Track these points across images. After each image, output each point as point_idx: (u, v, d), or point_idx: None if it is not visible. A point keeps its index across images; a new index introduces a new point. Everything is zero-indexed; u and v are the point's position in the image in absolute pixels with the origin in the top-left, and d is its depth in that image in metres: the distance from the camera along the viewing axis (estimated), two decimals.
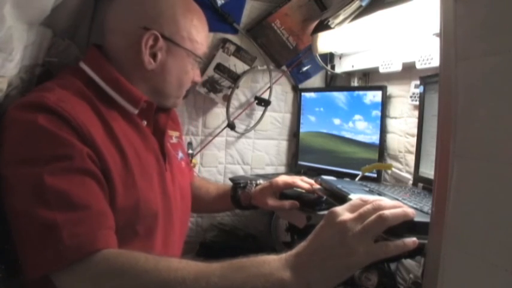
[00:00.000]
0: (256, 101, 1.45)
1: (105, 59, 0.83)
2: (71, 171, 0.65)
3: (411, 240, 0.56)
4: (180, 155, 1.01)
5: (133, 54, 0.82)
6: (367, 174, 1.16)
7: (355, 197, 0.69)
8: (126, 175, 0.75)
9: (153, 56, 0.83)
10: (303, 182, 1.01)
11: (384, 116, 1.24)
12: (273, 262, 0.58)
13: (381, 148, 1.24)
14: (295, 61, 1.47)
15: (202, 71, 1.38)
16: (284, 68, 1.49)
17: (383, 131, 1.24)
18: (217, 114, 1.46)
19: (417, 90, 1.11)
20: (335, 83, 1.55)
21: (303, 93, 1.51)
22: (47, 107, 0.67)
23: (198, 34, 0.88)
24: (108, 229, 0.66)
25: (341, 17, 1.12)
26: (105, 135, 0.74)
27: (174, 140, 1.01)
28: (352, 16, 1.09)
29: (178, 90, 0.91)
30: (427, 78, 0.99)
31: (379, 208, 0.58)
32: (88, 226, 0.63)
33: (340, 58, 1.46)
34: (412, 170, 1.08)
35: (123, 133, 0.79)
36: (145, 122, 0.86)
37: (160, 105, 0.90)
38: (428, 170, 0.97)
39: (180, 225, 0.91)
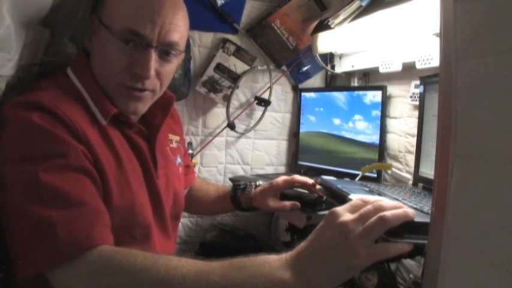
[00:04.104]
0: (256, 101, 1.45)
1: (88, 64, 0.80)
2: (66, 169, 0.65)
3: (411, 242, 0.56)
4: (179, 160, 1.00)
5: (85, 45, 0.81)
6: (367, 174, 1.16)
7: (355, 197, 0.69)
8: (120, 175, 0.75)
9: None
10: (302, 177, 1.01)
11: (383, 116, 1.24)
12: (273, 262, 0.58)
13: (381, 148, 1.24)
14: (295, 61, 1.48)
15: (202, 71, 1.38)
16: (284, 68, 1.49)
17: (383, 131, 1.24)
18: (217, 114, 1.46)
19: (417, 90, 1.11)
20: (335, 83, 1.55)
21: (303, 93, 1.51)
22: (41, 106, 0.67)
23: (122, 6, 0.75)
24: (104, 226, 0.66)
25: (341, 17, 1.12)
26: (98, 135, 0.74)
27: (174, 145, 0.99)
28: (352, 16, 1.09)
29: (105, 81, 0.78)
30: (427, 78, 0.99)
31: (379, 209, 0.58)
32: (84, 223, 0.63)
33: (340, 58, 1.46)
34: (412, 170, 1.08)
35: (115, 136, 0.78)
36: (135, 129, 0.83)
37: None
38: (428, 170, 0.97)
39: (172, 230, 0.91)
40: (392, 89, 1.25)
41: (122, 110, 0.79)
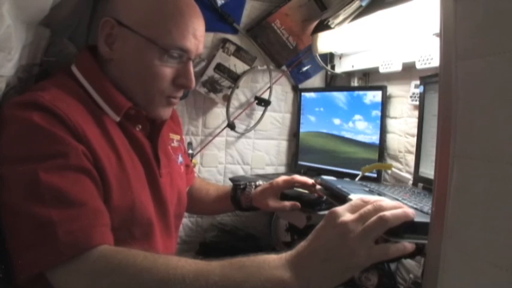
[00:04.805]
0: (256, 101, 1.45)
1: (95, 62, 0.80)
2: (66, 169, 0.65)
3: (412, 243, 0.56)
4: (180, 159, 1.00)
5: (99, 47, 0.79)
6: (367, 174, 1.16)
7: (355, 197, 0.69)
8: (121, 175, 0.75)
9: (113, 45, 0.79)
10: (302, 177, 1.02)
11: (384, 116, 1.24)
12: (273, 261, 0.58)
13: (381, 148, 1.24)
14: (295, 61, 1.47)
15: (202, 71, 1.38)
16: (284, 68, 1.49)
17: (383, 131, 1.24)
18: (217, 114, 1.46)
19: (417, 90, 1.11)
20: (335, 83, 1.55)
21: (303, 93, 1.51)
22: (41, 106, 0.67)
23: (166, 22, 0.76)
24: (104, 226, 0.66)
25: (341, 17, 1.12)
26: (99, 134, 0.74)
27: (175, 144, 0.99)
28: (352, 16, 1.09)
29: (145, 89, 0.80)
30: (427, 78, 0.99)
31: (379, 209, 0.58)
32: (84, 222, 0.63)
33: (340, 58, 1.46)
34: (412, 170, 1.08)
35: (117, 136, 0.78)
36: (139, 126, 0.83)
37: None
38: (428, 170, 0.97)
39: (174, 229, 0.91)
40: (392, 89, 1.25)
41: (155, 116, 0.83)
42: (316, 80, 1.55)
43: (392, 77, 1.24)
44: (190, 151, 1.37)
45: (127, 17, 0.77)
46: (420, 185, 0.98)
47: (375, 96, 1.26)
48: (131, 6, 0.77)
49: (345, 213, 0.59)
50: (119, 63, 0.79)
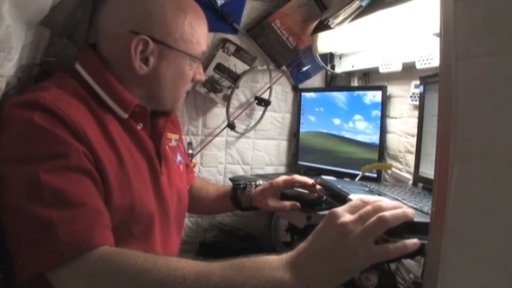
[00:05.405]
0: (256, 101, 1.45)
1: (99, 60, 0.81)
2: (66, 169, 0.65)
3: (412, 242, 0.56)
4: (179, 158, 1.00)
5: (125, 60, 0.79)
6: (367, 174, 1.16)
7: (355, 197, 0.69)
8: (121, 175, 0.75)
9: (146, 60, 0.80)
10: (302, 177, 1.02)
11: (383, 116, 1.24)
12: (273, 263, 0.58)
13: (381, 148, 1.24)
14: (295, 61, 1.47)
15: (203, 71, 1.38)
16: (284, 68, 1.49)
17: (383, 131, 1.24)
18: (217, 114, 1.46)
19: (417, 90, 1.11)
20: (335, 83, 1.55)
21: (303, 93, 1.51)
22: (42, 106, 0.67)
23: (194, 33, 0.83)
24: (105, 227, 0.66)
25: (341, 17, 1.12)
26: (100, 135, 0.74)
27: (173, 143, 1.00)
28: (352, 16, 1.09)
29: (175, 93, 0.88)
30: (427, 78, 0.99)
31: (379, 209, 0.58)
32: (84, 223, 0.63)
33: (340, 58, 1.46)
34: (412, 170, 1.08)
35: (118, 134, 0.78)
36: (141, 125, 0.84)
37: (159, 110, 0.88)
38: (428, 170, 0.97)
39: (176, 228, 0.91)
40: (392, 89, 1.25)
41: (174, 110, 0.92)
42: (316, 80, 1.55)
43: (392, 77, 1.24)
44: (190, 151, 1.37)
45: (164, 34, 0.80)
46: (420, 185, 0.98)
47: (374, 96, 1.26)
48: (168, 24, 0.80)
49: (344, 214, 0.59)
50: (154, 76, 0.82)
